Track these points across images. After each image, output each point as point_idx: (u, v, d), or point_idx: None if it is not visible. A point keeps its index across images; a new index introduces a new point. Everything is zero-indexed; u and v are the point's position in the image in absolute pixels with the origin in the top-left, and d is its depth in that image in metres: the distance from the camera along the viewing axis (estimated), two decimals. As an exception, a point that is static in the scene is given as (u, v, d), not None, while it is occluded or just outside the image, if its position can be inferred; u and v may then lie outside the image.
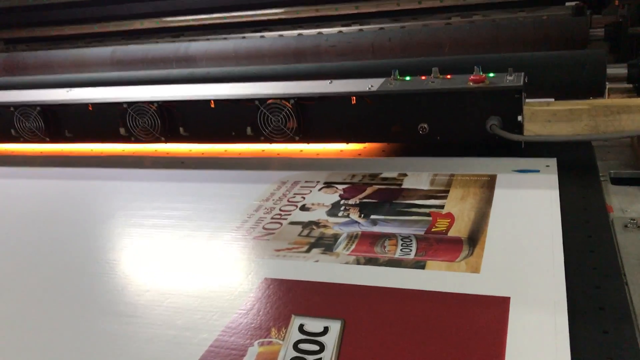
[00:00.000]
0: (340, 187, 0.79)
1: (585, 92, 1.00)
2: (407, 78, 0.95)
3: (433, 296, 0.53)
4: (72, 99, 1.09)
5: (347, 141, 0.96)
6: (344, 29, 1.64)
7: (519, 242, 0.61)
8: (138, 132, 1.03)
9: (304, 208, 0.74)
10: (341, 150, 0.96)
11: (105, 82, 1.36)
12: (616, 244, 0.62)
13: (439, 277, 0.56)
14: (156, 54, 1.66)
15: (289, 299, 0.55)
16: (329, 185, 0.80)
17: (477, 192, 0.73)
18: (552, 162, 0.81)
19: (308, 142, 0.97)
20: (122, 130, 1.04)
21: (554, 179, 0.75)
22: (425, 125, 0.90)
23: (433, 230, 0.65)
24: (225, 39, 1.71)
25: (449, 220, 0.66)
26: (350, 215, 0.70)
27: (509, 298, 0.52)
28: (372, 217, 0.69)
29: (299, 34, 1.60)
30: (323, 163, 0.91)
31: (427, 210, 0.69)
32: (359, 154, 0.93)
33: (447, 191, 0.74)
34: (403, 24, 1.57)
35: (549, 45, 1.32)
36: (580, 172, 0.80)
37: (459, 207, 0.69)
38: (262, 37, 1.65)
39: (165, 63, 1.63)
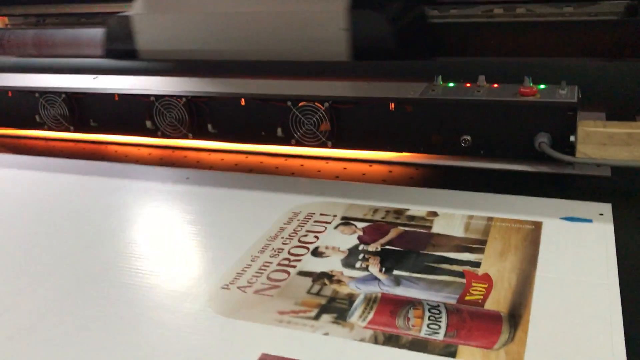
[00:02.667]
0: (360, 225, 0.69)
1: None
2: (451, 85, 0.89)
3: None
4: (98, 87, 1.06)
5: (383, 149, 0.90)
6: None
7: (569, 322, 0.51)
8: (164, 126, 1.00)
9: (316, 252, 0.64)
10: (364, 174, 0.85)
11: (132, 69, 1.28)
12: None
13: (473, 372, 0.46)
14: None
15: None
16: (347, 222, 0.70)
17: (520, 246, 0.62)
18: (607, 208, 0.69)
19: (341, 147, 0.91)
20: (148, 124, 1.00)
21: (609, 232, 0.64)
22: (469, 138, 0.84)
23: (467, 298, 0.54)
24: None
25: (486, 286, 0.56)
26: (369, 268, 0.60)
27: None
28: (395, 272, 0.59)
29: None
30: (343, 188, 0.80)
31: (460, 269, 0.59)
32: (384, 180, 0.83)
33: (485, 242, 0.64)
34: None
35: (596, 49, 1.21)
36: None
37: (498, 267, 0.59)
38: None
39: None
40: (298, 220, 0.71)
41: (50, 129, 1.09)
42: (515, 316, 0.52)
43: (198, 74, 1.14)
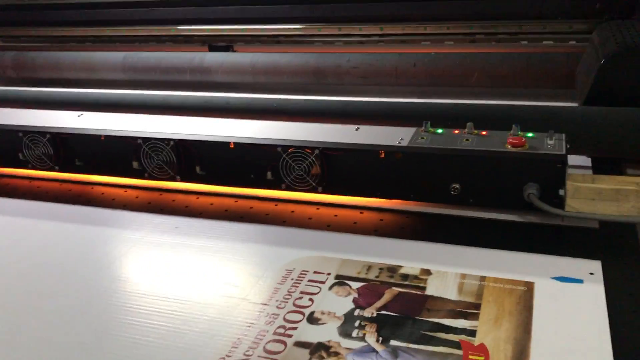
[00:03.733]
0: (355, 285, 0.69)
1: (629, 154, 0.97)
2: (440, 131, 0.90)
3: None
4: (83, 127, 1.04)
5: (374, 196, 0.90)
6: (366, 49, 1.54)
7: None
8: (152, 168, 0.99)
9: (312, 319, 0.64)
10: (355, 222, 0.86)
11: (118, 104, 1.32)
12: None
13: None
14: (169, 63, 1.61)
15: None
16: (341, 282, 0.70)
17: (513, 311, 0.63)
18: (597, 266, 0.70)
19: (331, 193, 0.92)
20: (135, 164, 0.99)
21: (600, 294, 0.65)
22: (458, 186, 0.85)
23: (464, 373, 0.55)
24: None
25: (482, 358, 0.57)
26: (367, 338, 0.60)
27: None
28: (392, 342, 0.59)
29: (320, 53, 1.50)
30: (335, 240, 0.80)
31: (456, 338, 0.59)
32: (376, 230, 0.83)
33: (479, 306, 0.64)
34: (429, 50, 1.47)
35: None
36: (630, 275, 0.70)
37: (493, 336, 0.59)
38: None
39: (179, 72, 1.58)
40: (292, 279, 0.71)
41: (34, 168, 1.08)
42: (513, 395, 0.52)
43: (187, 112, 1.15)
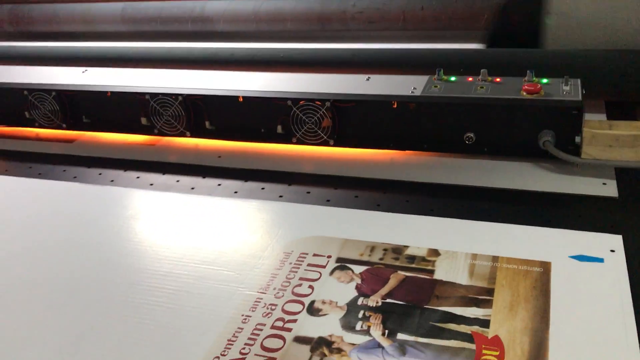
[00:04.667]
0: (357, 269, 0.64)
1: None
2: (453, 78, 0.88)
3: None
4: (88, 84, 1.02)
5: (386, 147, 0.89)
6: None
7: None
8: (161, 124, 0.97)
9: (312, 310, 0.59)
10: (356, 197, 0.80)
11: (122, 58, 1.29)
12: None
13: None
14: (170, 13, 1.54)
15: None
16: (342, 266, 0.65)
17: (529, 296, 0.58)
18: (618, 242, 0.65)
19: (343, 145, 0.90)
20: (143, 120, 0.98)
21: (623, 276, 0.60)
22: (472, 135, 0.83)
23: (478, 371, 0.51)
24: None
25: (497, 353, 0.52)
26: (372, 332, 0.56)
27: None
28: (399, 336, 0.55)
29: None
30: (335, 217, 0.75)
31: (468, 330, 0.55)
32: (378, 205, 0.78)
33: (492, 291, 0.59)
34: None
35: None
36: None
37: (508, 327, 0.55)
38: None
39: (180, 23, 1.53)
40: (290, 263, 0.66)
41: (41, 126, 1.06)
42: (532, 396, 0.48)
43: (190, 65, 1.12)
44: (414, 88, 0.87)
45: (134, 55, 1.29)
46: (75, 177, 0.91)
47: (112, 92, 0.99)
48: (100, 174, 0.91)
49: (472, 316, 0.57)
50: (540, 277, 0.61)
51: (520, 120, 0.81)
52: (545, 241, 0.67)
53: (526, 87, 0.82)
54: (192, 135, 0.97)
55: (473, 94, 0.83)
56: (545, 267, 0.62)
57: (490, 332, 0.54)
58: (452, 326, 0.56)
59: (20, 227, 0.79)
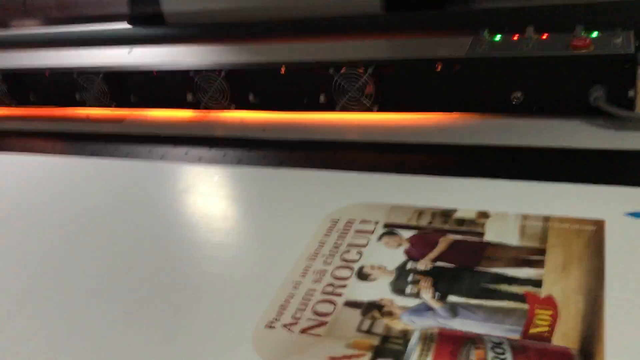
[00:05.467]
0: (405, 234, 0.65)
1: None
2: (497, 38, 0.86)
3: None
4: (134, 64, 1.06)
5: (431, 111, 0.88)
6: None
7: (648, 356, 0.47)
8: (206, 100, 1.00)
9: (361, 274, 0.60)
10: (402, 162, 0.80)
11: (165, 37, 1.25)
12: None
13: None
14: None
15: None
16: (390, 231, 0.65)
17: (583, 256, 0.57)
18: (677, 197, 0.63)
19: (387, 111, 0.90)
20: (189, 97, 1.00)
21: (682, 230, 0.59)
22: (520, 95, 0.82)
23: (532, 331, 0.50)
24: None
25: (550, 312, 0.52)
26: (422, 294, 0.56)
27: None
28: (450, 298, 0.55)
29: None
30: (381, 183, 0.75)
31: (521, 290, 0.54)
32: (425, 169, 0.77)
33: (544, 251, 0.59)
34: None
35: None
36: None
37: (562, 286, 0.54)
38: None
39: None
40: (337, 230, 0.67)
41: (91, 106, 1.10)
42: (589, 354, 0.47)
43: (230, 38, 1.11)
44: (458, 49, 0.85)
45: (176, 34, 1.30)
46: (127, 154, 0.94)
47: (157, 71, 1.02)
48: (149, 150, 0.94)
49: (523, 277, 0.56)
50: (593, 235, 0.60)
51: (569, 77, 0.79)
52: (598, 199, 0.65)
53: (575, 41, 0.79)
54: (237, 109, 0.99)
55: (519, 52, 0.82)
56: (599, 225, 0.61)
57: (543, 292, 0.54)
58: (504, 287, 0.55)
59: (76, 205, 0.82)
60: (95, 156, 0.95)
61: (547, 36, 0.84)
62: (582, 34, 0.81)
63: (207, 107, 1.01)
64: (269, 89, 0.97)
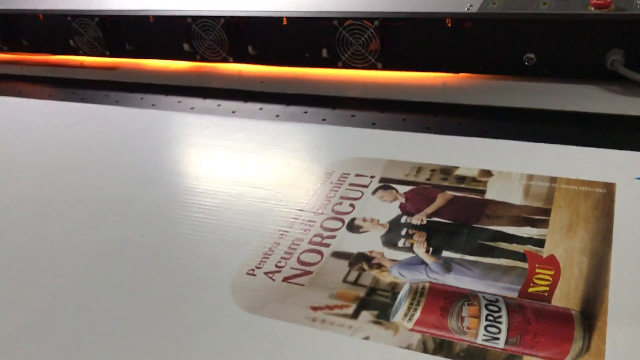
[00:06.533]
0: (402, 189, 0.61)
1: None
2: None
3: None
4: (131, 9, 1.01)
5: (438, 70, 0.84)
6: None
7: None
8: (203, 50, 0.95)
9: (352, 227, 0.56)
10: (404, 120, 0.76)
11: None
12: None
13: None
14: None
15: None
16: (386, 185, 0.62)
17: (590, 217, 0.53)
18: (693, 164, 0.59)
19: (392, 69, 0.86)
20: (186, 46, 0.96)
21: (699, 197, 0.55)
22: (532, 56, 0.78)
23: (530, 290, 0.46)
24: None
25: (552, 272, 0.48)
26: (414, 249, 0.52)
27: None
28: (445, 254, 0.51)
29: None
30: (380, 139, 0.71)
31: (521, 249, 0.51)
32: (428, 128, 0.73)
33: (548, 211, 0.55)
34: None
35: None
36: None
37: (565, 247, 0.50)
38: None
39: None
40: (331, 182, 0.63)
41: (85, 54, 1.06)
42: (590, 316, 0.44)
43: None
44: (470, 5, 0.81)
45: None
46: (117, 102, 0.90)
47: (154, 17, 0.97)
48: (141, 98, 0.90)
49: (525, 235, 0.52)
50: (603, 198, 0.56)
51: (587, 38, 0.75)
52: (609, 163, 0.61)
53: (595, 0, 0.75)
54: (235, 61, 0.95)
55: (535, 10, 0.77)
56: (609, 188, 0.57)
57: (545, 252, 0.50)
58: (504, 245, 0.52)
59: (63, 147, 0.78)
60: (85, 102, 0.91)
61: None
62: None
63: (204, 59, 0.97)
64: (269, 41, 0.92)
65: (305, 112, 0.80)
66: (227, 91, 0.88)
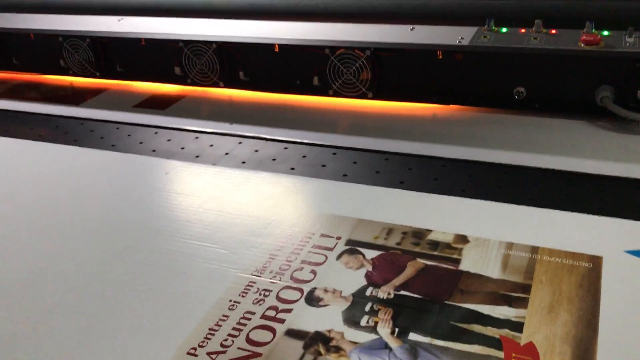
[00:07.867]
0: (369, 254, 0.55)
1: None
2: (504, 30, 0.82)
3: None
4: (123, 31, 0.99)
5: (428, 101, 0.83)
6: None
7: None
8: (194, 74, 0.94)
9: (312, 299, 0.50)
10: (377, 172, 0.71)
11: (159, 8, 1.24)
12: None
13: None
14: None
15: None
16: (353, 249, 0.56)
17: (574, 297, 0.48)
18: (686, 236, 0.54)
19: (383, 98, 0.85)
20: (177, 70, 0.95)
21: (691, 275, 0.50)
22: (523, 90, 0.77)
23: (505, 386, 0.41)
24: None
25: (530, 365, 0.42)
26: (378, 329, 0.46)
27: None
28: (411, 336, 0.45)
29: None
30: (351, 193, 0.66)
31: (496, 333, 0.45)
32: (401, 182, 0.68)
33: (528, 288, 0.49)
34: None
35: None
36: None
37: (546, 333, 0.45)
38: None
39: None
40: (293, 243, 0.57)
41: (75, 74, 1.05)
42: (573, 422, 0.38)
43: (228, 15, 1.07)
44: (462, 38, 0.81)
45: (172, 5, 1.26)
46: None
47: (146, 40, 0.96)
48: (102, 137, 0.85)
49: (502, 317, 0.47)
50: (588, 274, 0.50)
51: (577, 74, 0.75)
52: (597, 231, 0.56)
53: (585, 37, 0.75)
54: (226, 86, 0.94)
55: (525, 44, 0.77)
56: (596, 262, 0.52)
57: (523, 338, 0.45)
58: (477, 328, 0.46)
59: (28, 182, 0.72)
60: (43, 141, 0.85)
61: (556, 32, 0.80)
62: (593, 31, 0.76)
63: (194, 83, 0.95)
64: (260, 67, 0.91)
65: (286, 148, 0.77)
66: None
